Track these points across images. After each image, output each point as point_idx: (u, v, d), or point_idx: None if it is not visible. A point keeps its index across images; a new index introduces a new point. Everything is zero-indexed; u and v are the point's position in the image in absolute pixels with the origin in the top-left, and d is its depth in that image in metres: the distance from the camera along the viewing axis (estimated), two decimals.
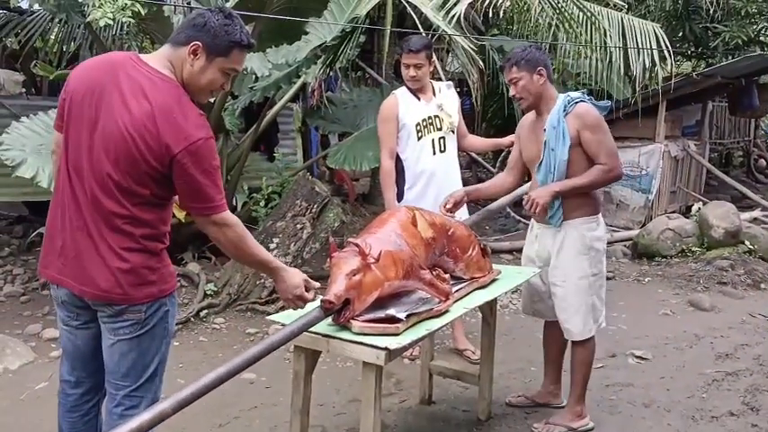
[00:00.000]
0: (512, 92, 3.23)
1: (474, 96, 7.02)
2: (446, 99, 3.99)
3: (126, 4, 4.50)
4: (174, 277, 2.24)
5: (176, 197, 2.15)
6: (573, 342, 3.26)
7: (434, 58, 4.06)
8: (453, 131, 4.01)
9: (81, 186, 2.05)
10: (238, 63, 2.16)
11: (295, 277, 2.35)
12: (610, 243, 6.28)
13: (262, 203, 5.97)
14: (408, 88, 3.94)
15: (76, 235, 2.07)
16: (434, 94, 3.98)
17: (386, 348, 2.31)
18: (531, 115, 3.32)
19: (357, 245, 2.41)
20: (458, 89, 10.53)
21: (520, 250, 6.68)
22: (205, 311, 4.86)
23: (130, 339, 2.14)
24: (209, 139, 2.04)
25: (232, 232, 2.14)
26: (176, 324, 4.52)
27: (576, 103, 3.10)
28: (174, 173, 2.01)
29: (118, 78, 2.03)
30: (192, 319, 4.74)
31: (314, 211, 5.18)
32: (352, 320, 2.40)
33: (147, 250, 2.09)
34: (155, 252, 2.12)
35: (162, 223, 2.15)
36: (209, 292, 5.04)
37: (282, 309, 3.24)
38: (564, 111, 3.09)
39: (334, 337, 2.42)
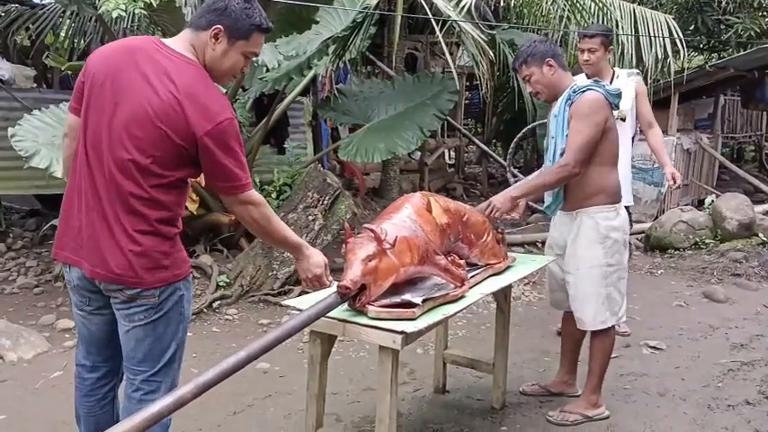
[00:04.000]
0: (528, 89, 3.26)
1: (484, 89, 7.00)
2: (622, 87, 3.72)
3: None
4: (187, 263, 2.23)
5: (198, 179, 2.15)
6: (592, 332, 3.24)
7: (612, 45, 4.09)
8: (623, 119, 3.94)
9: (100, 168, 2.05)
10: (258, 46, 2.18)
11: (317, 256, 2.39)
12: None
13: (273, 195, 5.97)
14: (586, 74, 3.96)
15: (92, 216, 2.07)
16: (612, 81, 3.95)
17: (402, 332, 2.29)
18: (555, 105, 3.30)
19: (373, 230, 2.40)
20: (467, 83, 10.63)
21: (532, 243, 6.76)
22: (218, 303, 4.88)
23: (145, 325, 2.13)
24: (233, 120, 2.06)
25: (257, 211, 2.18)
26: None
27: (584, 91, 3.04)
28: (200, 153, 2.03)
29: (139, 61, 2.04)
30: (205, 310, 4.75)
31: (326, 202, 5.18)
32: (368, 305, 2.38)
33: (160, 234, 2.08)
34: (168, 236, 2.11)
35: (178, 206, 2.15)
36: (221, 284, 5.06)
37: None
38: (569, 99, 3.08)
39: (350, 322, 2.40)
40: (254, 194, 2.17)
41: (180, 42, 2.11)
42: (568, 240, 3.20)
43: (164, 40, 2.14)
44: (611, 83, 3.94)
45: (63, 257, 2.18)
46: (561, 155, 3.08)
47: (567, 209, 3.22)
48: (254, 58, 2.26)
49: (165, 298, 2.14)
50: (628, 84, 4.02)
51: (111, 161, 2.03)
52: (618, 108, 3.22)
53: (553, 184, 3.11)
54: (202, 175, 2.15)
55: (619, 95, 3.17)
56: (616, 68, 4.10)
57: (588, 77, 3.87)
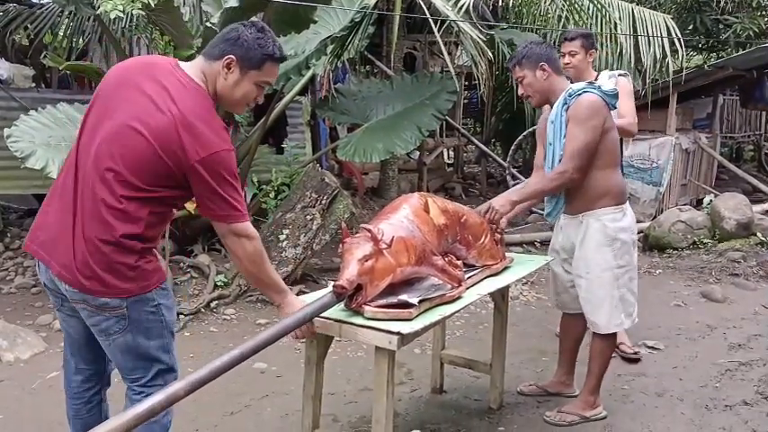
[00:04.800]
0: (520, 91, 3.24)
1: (482, 89, 6.99)
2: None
3: None
4: (158, 272, 2.15)
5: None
6: (595, 333, 3.23)
7: (595, 48, 4.03)
8: None
9: (83, 172, 2.04)
10: (271, 75, 2.18)
11: (300, 303, 2.35)
12: None
13: (271, 195, 5.97)
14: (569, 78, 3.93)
15: (65, 217, 2.05)
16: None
17: (398, 333, 2.29)
18: (547, 110, 3.28)
19: (369, 230, 2.40)
20: (466, 82, 10.62)
21: (531, 243, 6.76)
22: (215, 302, 4.87)
23: (123, 336, 2.09)
24: (231, 152, 2.05)
25: (251, 245, 2.13)
26: (187, 315, 4.57)
27: (579, 95, 3.01)
28: (191, 179, 2.02)
29: (149, 78, 2.05)
30: (203, 310, 4.75)
31: (324, 202, 5.17)
32: (364, 306, 2.38)
33: (123, 246, 2.02)
34: (133, 250, 2.04)
35: (151, 226, 2.07)
36: (219, 284, 5.06)
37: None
38: (564, 104, 3.06)
39: (346, 323, 2.40)
40: (250, 228, 2.14)
41: (193, 68, 2.12)
42: (576, 244, 3.18)
43: (180, 63, 2.14)
44: None
45: (32, 250, 2.14)
46: (560, 161, 3.06)
47: (573, 212, 3.20)
48: (272, 83, 2.26)
49: (137, 309, 2.08)
50: (608, 84, 4.00)
51: (93, 166, 2.02)
52: (615, 108, 3.20)
53: (552, 190, 3.10)
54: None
55: (615, 95, 3.14)
56: (604, 72, 4.06)
57: (571, 81, 3.87)
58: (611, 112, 3.85)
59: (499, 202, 3.07)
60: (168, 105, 1.99)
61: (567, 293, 3.35)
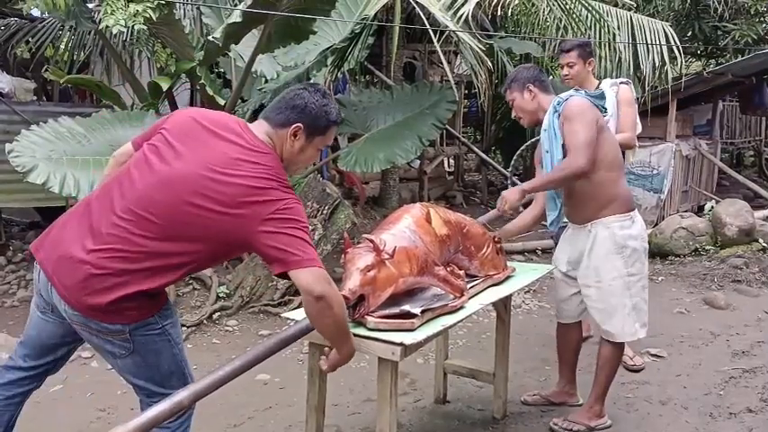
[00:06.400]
0: (513, 113, 3.34)
1: (482, 98, 7.01)
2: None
3: (138, 11, 4.53)
4: (161, 298, 2.11)
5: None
6: (604, 342, 3.22)
7: (593, 57, 4.05)
8: None
9: (120, 202, 2.00)
10: (331, 139, 2.25)
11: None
12: None
13: None
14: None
15: (78, 239, 2.00)
16: None
17: (401, 344, 2.29)
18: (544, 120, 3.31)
19: (371, 240, 2.40)
20: (466, 91, 10.64)
21: (532, 251, 6.76)
22: (218, 314, 4.87)
23: (131, 357, 2.07)
24: (298, 202, 2.03)
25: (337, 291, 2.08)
26: (189, 327, 4.57)
27: (566, 100, 3.09)
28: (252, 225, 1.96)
29: (221, 137, 2.04)
30: (205, 321, 4.75)
31: (325, 212, 5.17)
32: (366, 316, 2.38)
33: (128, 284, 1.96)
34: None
35: (164, 282, 2.03)
36: (221, 295, 5.06)
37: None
38: (555, 112, 3.11)
39: None
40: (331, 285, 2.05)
41: (260, 133, 2.12)
42: (584, 253, 3.17)
43: (249, 125, 2.14)
44: None
45: (38, 257, 2.08)
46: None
47: (579, 222, 3.20)
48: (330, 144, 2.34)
49: (140, 333, 2.05)
50: (608, 93, 4.01)
51: (133, 203, 1.98)
52: (605, 111, 3.24)
53: (560, 180, 3.07)
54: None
55: (600, 97, 3.21)
56: (605, 81, 4.08)
57: None
58: (610, 120, 3.90)
59: (511, 191, 3.12)
60: (238, 167, 1.98)
61: (568, 303, 3.35)
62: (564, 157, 3.06)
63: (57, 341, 2.20)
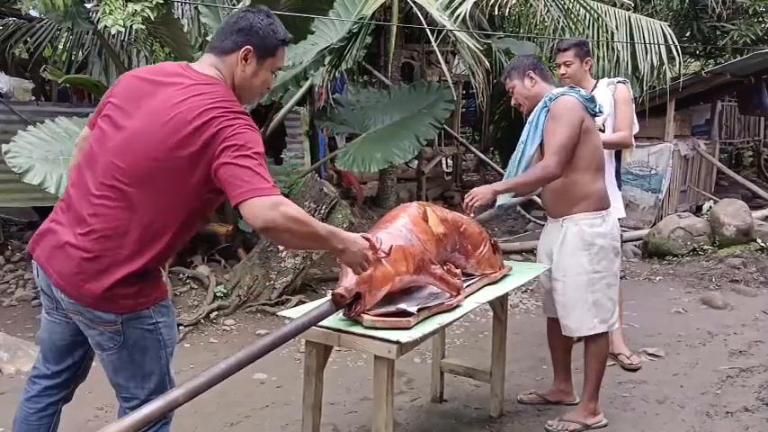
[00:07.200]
0: (512, 101, 3.37)
1: (480, 98, 7.02)
2: (600, 96, 3.78)
3: (136, 11, 4.52)
4: (158, 289, 2.08)
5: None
6: (585, 338, 3.24)
7: (590, 56, 4.04)
8: (602, 130, 3.85)
9: (92, 180, 1.99)
10: (282, 60, 2.17)
11: (360, 240, 2.26)
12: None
13: None
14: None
15: (68, 228, 2.00)
16: (592, 92, 3.96)
17: (397, 342, 2.29)
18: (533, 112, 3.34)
19: (368, 239, 2.40)
20: (464, 91, 10.64)
21: (530, 251, 6.76)
22: (215, 313, 4.87)
23: (118, 352, 2.04)
24: (249, 128, 1.94)
25: (292, 208, 1.92)
26: (186, 326, 4.57)
27: (558, 97, 3.11)
28: (212, 144, 1.89)
29: (164, 83, 2.00)
30: (203, 321, 4.75)
31: (323, 212, 5.17)
32: (363, 314, 2.38)
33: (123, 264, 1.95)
34: (133, 270, 1.97)
35: (152, 255, 1.99)
36: (218, 294, 5.06)
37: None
38: (544, 107, 3.13)
39: (345, 332, 2.40)
40: (283, 198, 1.95)
41: (204, 67, 2.07)
42: (554, 248, 3.22)
43: (190, 64, 2.10)
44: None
45: (35, 254, 2.10)
46: (528, 161, 3.16)
47: (555, 216, 3.26)
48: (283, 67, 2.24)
49: (132, 326, 2.01)
50: (605, 92, 4.01)
51: (102, 177, 1.97)
52: (598, 113, 3.24)
53: (533, 182, 3.12)
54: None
55: (592, 99, 3.21)
56: (602, 80, 4.07)
57: None
58: (607, 119, 3.90)
59: (482, 189, 3.11)
60: (189, 100, 1.94)
61: (549, 296, 3.37)
62: (535, 154, 3.14)
63: (67, 342, 2.19)
